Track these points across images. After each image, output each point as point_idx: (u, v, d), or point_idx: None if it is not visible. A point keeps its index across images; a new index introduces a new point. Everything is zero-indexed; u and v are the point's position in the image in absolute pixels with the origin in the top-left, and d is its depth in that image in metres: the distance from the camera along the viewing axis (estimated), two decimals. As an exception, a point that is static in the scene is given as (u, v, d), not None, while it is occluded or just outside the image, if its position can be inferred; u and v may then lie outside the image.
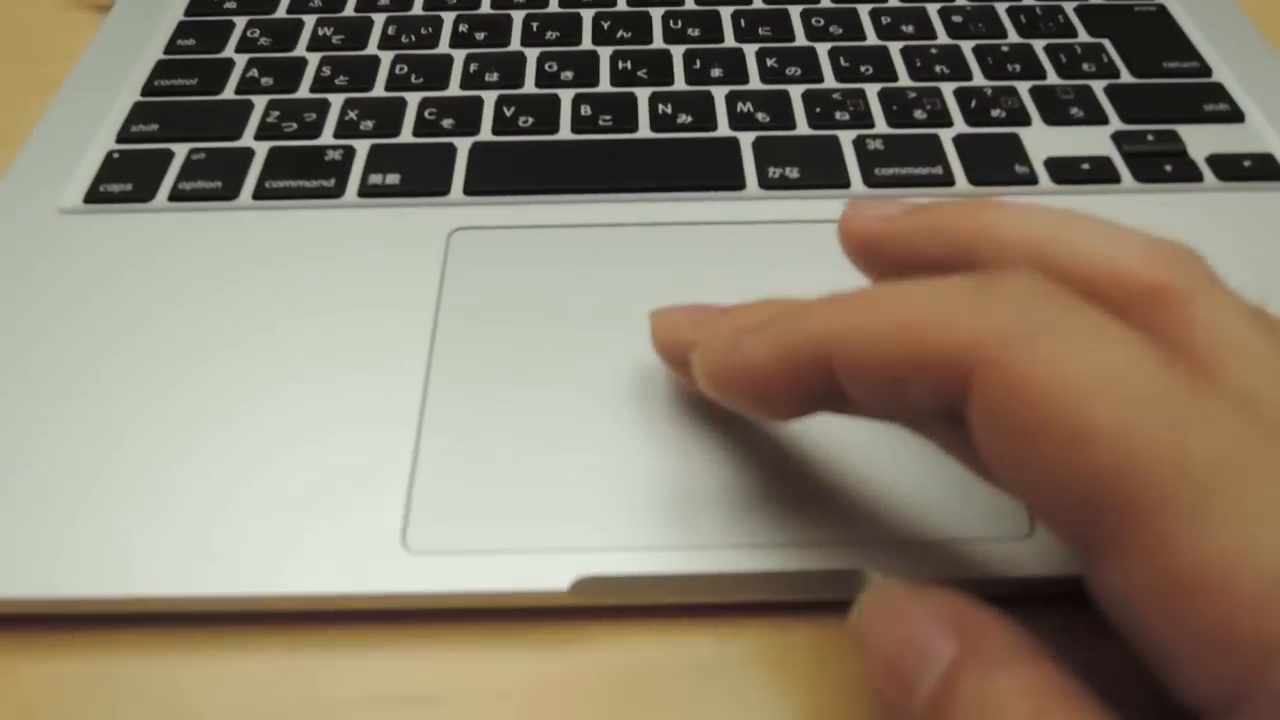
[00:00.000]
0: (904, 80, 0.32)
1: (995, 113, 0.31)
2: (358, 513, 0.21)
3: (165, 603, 0.20)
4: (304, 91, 0.32)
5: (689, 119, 0.31)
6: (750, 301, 0.21)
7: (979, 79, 0.32)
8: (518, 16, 0.36)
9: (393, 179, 0.29)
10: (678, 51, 0.34)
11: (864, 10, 0.35)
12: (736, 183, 0.29)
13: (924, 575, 0.20)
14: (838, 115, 0.31)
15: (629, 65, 0.33)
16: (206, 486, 0.22)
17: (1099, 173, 0.29)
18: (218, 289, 0.26)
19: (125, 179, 0.29)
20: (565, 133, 0.31)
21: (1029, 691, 0.15)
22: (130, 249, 0.27)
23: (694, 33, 0.35)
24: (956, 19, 0.35)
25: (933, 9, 0.35)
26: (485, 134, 0.31)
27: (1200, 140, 0.30)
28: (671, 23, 0.35)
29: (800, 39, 0.34)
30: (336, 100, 0.32)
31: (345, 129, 0.31)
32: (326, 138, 0.31)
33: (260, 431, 0.23)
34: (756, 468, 0.22)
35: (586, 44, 0.34)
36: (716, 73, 0.33)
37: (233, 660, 0.20)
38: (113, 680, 0.20)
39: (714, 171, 0.29)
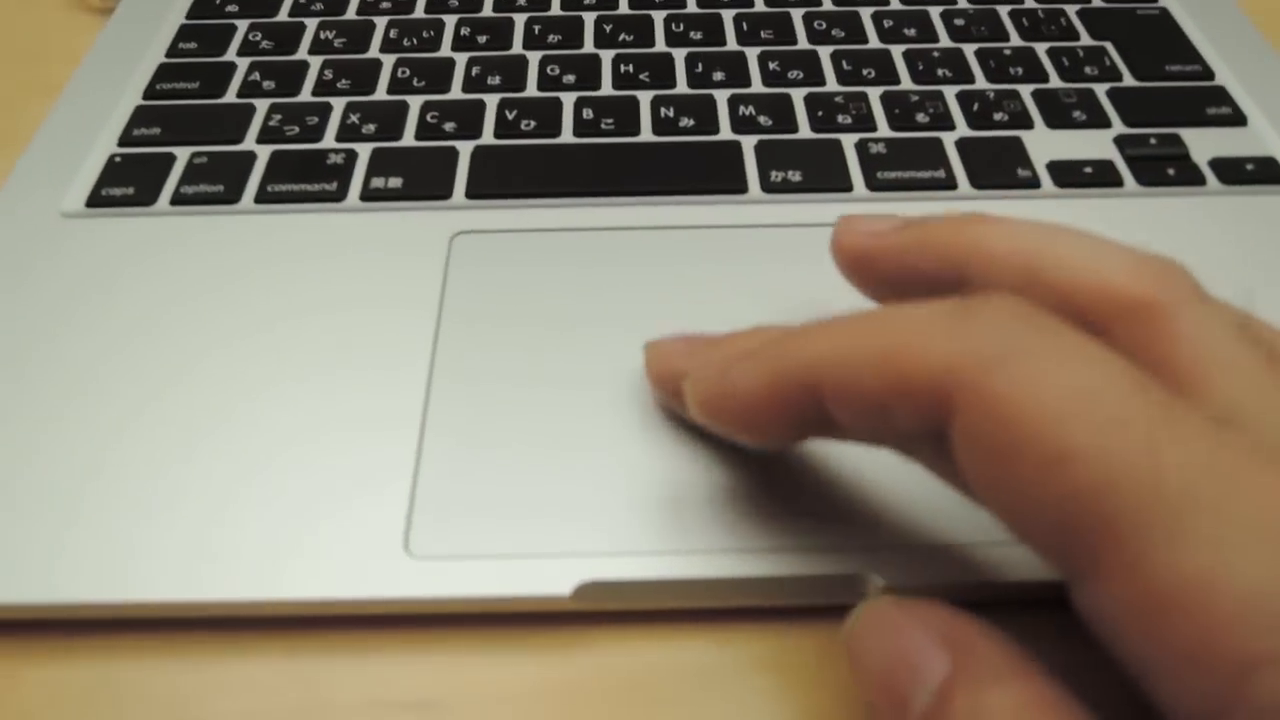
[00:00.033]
0: (906, 83, 0.32)
1: (998, 116, 0.31)
2: (360, 517, 0.21)
3: (166, 608, 0.20)
4: (306, 95, 0.32)
5: (691, 122, 0.31)
6: (743, 330, 0.21)
7: (981, 82, 0.32)
8: (519, 19, 0.36)
9: (395, 183, 0.29)
10: (679, 54, 0.34)
11: (866, 13, 0.35)
12: (739, 186, 0.29)
13: (925, 580, 0.20)
14: (840, 118, 0.31)
15: (631, 68, 0.33)
16: (209, 491, 0.22)
17: (1101, 176, 0.29)
18: (219, 293, 0.26)
19: (127, 182, 0.29)
20: (567, 136, 0.31)
21: (1022, 705, 0.15)
22: (132, 252, 0.27)
23: (696, 36, 0.35)
24: (959, 22, 0.35)
25: (935, 12, 0.35)
26: (487, 137, 0.31)
27: (1203, 143, 0.30)
28: (673, 25, 0.35)
29: (802, 42, 0.34)
30: (338, 104, 0.32)
31: (347, 132, 0.31)
32: (328, 141, 0.31)
33: (262, 436, 0.23)
34: (758, 472, 0.22)
35: (588, 47, 0.34)
36: (718, 76, 0.33)
37: (234, 665, 0.20)
38: (114, 686, 0.20)
39: (716, 175, 0.29)
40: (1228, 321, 0.16)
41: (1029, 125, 0.31)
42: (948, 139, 0.30)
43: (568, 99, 0.32)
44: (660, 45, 0.34)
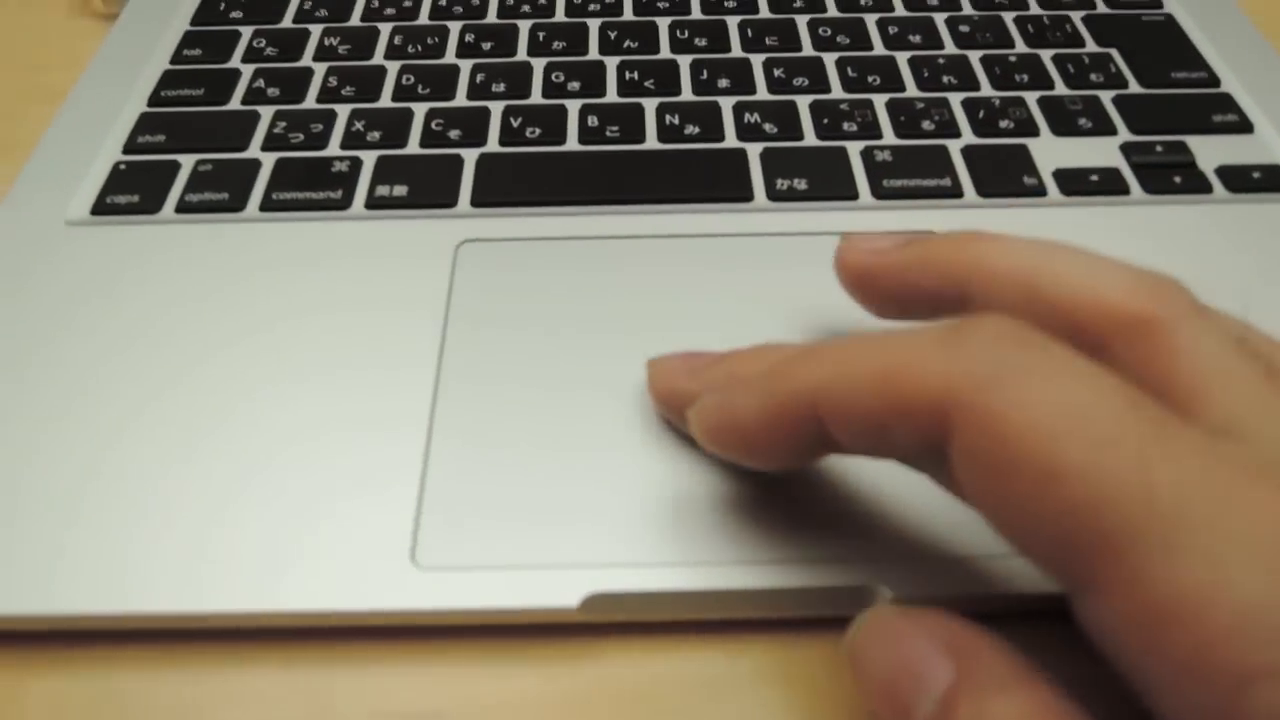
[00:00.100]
0: (912, 90, 0.32)
1: (1003, 123, 0.31)
2: (367, 528, 0.21)
3: (169, 619, 0.20)
4: (310, 102, 0.32)
5: (696, 130, 0.31)
6: (744, 348, 0.21)
7: (987, 89, 0.32)
8: (524, 26, 0.36)
9: (400, 190, 0.29)
10: (684, 61, 0.34)
11: (871, 20, 0.35)
12: (744, 194, 0.29)
13: (932, 591, 0.20)
14: (845, 126, 0.31)
15: (636, 75, 0.33)
16: (213, 501, 0.21)
17: (1108, 184, 0.29)
18: (223, 303, 0.26)
19: (132, 190, 0.29)
20: (572, 144, 0.31)
21: (1026, 714, 0.15)
22: (137, 261, 0.27)
23: (700, 42, 0.34)
24: (964, 29, 0.35)
25: (940, 19, 0.35)
26: (492, 145, 0.31)
27: (1209, 151, 0.30)
28: (678, 32, 0.35)
29: (807, 49, 0.34)
30: (343, 111, 0.32)
31: (352, 140, 0.31)
32: (333, 149, 0.31)
33: (266, 447, 0.22)
34: (765, 484, 0.21)
35: (593, 54, 0.34)
36: (724, 83, 0.33)
37: (237, 676, 0.20)
38: (116, 697, 0.20)
39: (721, 183, 0.29)
40: (1226, 335, 0.17)
41: (1035, 133, 0.31)
42: (953, 147, 0.30)
43: (573, 106, 0.32)
44: (665, 52, 0.34)
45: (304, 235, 0.28)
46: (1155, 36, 0.35)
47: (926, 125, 0.31)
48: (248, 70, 0.34)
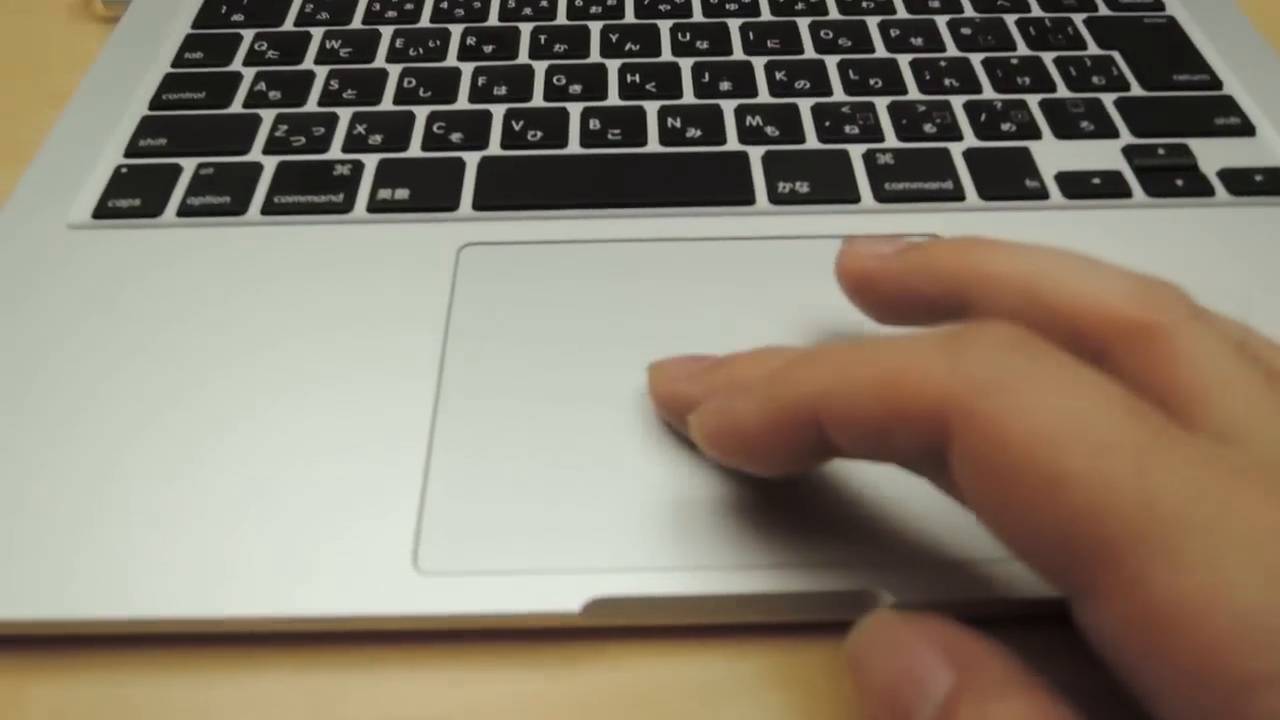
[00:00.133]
0: (913, 93, 0.32)
1: (1005, 126, 0.31)
2: (369, 533, 0.21)
3: (174, 624, 0.20)
4: (312, 105, 0.32)
5: (698, 133, 0.31)
6: (745, 351, 0.21)
7: (989, 92, 0.32)
8: (526, 29, 0.36)
9: (401, 194, 0.29)
10: (686, 64, 0.34)
11: (872, 23, 0.35)
12: (746, 198, 0.29)
13: (933, 596, 0.20)
14: (847, 129, 0.31)
15: (638, 78, 0.33)
16: (217, 506, 0.21)
17: (1110, 187, 0.29)
18: (226, 306, 0.26)
19: (134, 194, 0.29)
20: (574, 147, 0.31)
21: None
22: (139, 265, 0.27)
23: (702, 45, 0.34)
24: (965, 31, 0.35)
25: (941, 21, 0.35)
26: (494, 148, 0.31)
27: (1211, 154, 0.30)
28: (680, 35, 0.35)
29: (809, 51, 0.34)
30: (345, 114, 0.32)
31: (353, 143, 0.31)
32: (335, 152, 0.31)
33: (270, 451, 0.22)
34: (767, 488, 0.21)
35: (595, 57, 0.34)
36: (725, 86, 0.33)
37: (243, 682, 0.20)
38: (121, 703, 0.20)
39: (723, 186, 0.29)
40: (1226, 340, 0.17)
41: (1037, 135, 0.31)
42: (955, 149, 0.30)
43: (574, 109, 0.32)
44: (667, 55, 0.34)
45: (306, 239, 0.28)
46: (1157, 39, 0.35)
47: (928, 128, 0.31)
48: (249, 73, 0.34)
